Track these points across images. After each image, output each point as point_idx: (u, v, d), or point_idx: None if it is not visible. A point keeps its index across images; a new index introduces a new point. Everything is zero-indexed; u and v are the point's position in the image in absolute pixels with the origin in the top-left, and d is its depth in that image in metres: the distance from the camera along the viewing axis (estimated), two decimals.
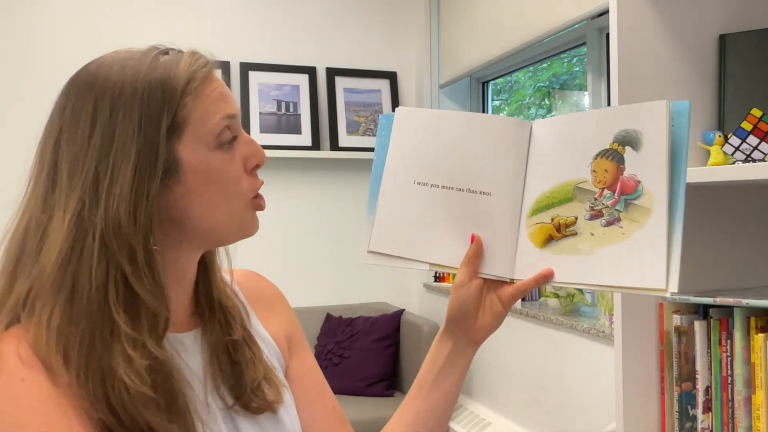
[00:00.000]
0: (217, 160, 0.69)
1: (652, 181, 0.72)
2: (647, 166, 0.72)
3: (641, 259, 0.71)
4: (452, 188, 0.80)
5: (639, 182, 0.73)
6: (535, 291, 2.76)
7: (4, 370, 0.60)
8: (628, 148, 0.74)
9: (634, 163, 0.73)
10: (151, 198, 0.65)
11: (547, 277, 0.76)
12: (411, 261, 0.80)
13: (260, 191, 0.75)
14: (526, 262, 0.78)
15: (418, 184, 0.81)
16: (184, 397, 0.66)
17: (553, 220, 0.77)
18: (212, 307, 0.77)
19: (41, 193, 0.67)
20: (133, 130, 0.65)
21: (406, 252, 0.80)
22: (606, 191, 0.75)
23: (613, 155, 0.75)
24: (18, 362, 0.61)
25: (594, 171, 0.76)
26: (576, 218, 0.76)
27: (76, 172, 0.65)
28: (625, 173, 0.74)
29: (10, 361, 0.61)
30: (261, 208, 0.74)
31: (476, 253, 0.78)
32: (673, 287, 0.69)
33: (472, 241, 0.78)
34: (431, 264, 0.80)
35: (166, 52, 0.70)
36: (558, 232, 0.77)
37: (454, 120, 0.82)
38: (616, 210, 0.74)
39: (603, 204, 0.75)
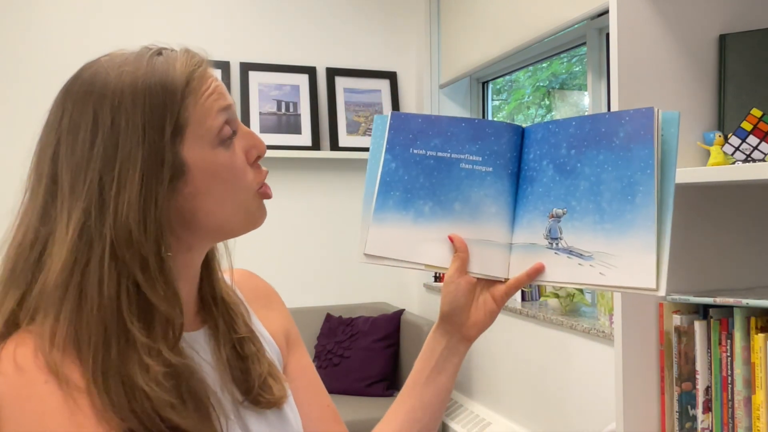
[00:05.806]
0: (221, 156, 0.69)
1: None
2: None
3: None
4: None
5: None
6: (535, 291, 2.76)
7: (25, 371, 0.60)
8: None
9: None
10: (160, 203, 0.65)
11: (538, 270, 0.77)
12: (407, 263, 0.81)
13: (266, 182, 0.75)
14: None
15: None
16: (207, 398, 0.67)
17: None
18: (216, 303, 0.78)
19: (40, 204, 0.66)
20: (138, 138, 0.64)
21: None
22: None
23: None
24: (38, 365, 0.60)
25: None
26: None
27: (78, 182, 0.64)
28: None
29: (30, 364, 0.60)
30: (268, 196, 0.75)
31: (459, 249, 0.79)
32: (663, 287, 0.70)
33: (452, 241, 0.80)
34: (426, 265, 0.81)
35: (159, 52, 0.70)
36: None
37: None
38: None
39: None
